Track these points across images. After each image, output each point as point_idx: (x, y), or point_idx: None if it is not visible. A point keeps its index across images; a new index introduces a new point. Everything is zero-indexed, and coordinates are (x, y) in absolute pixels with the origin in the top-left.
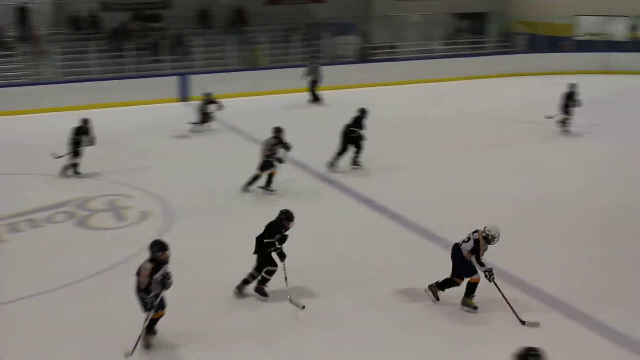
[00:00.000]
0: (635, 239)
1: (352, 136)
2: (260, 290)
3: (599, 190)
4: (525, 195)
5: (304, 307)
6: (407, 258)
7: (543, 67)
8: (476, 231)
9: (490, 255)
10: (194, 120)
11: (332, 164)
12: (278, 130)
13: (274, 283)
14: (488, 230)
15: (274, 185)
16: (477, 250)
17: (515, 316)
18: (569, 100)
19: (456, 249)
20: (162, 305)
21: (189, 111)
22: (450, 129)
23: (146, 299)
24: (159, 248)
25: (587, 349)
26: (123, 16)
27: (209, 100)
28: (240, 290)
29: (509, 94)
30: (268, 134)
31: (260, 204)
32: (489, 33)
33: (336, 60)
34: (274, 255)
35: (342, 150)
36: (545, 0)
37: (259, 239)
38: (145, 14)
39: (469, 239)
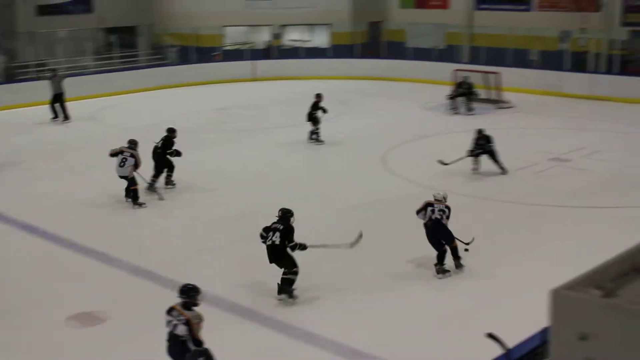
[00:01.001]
0: None
1: (164, 156)
2: (290, 292)
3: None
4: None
5: (361, 234)
6: None
7: (195, 77)
8: (431, 204)
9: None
10: None
11: (150, 186)
12: (133, 143)
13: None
14: (441, 196)
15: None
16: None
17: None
18: (315, 109)
19: (437, 224)
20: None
21: None
22: (114, 144)
23: (202, 354)
24: (196, 291)
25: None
26: None
27: None
28: (290, 293)
29: (168, 105)
30: None
31: None
32: (140, 46)
33: None
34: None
35: (158, 172)
36: (193, 12)
37: (277, 247)
38: None
39: (441, 211)
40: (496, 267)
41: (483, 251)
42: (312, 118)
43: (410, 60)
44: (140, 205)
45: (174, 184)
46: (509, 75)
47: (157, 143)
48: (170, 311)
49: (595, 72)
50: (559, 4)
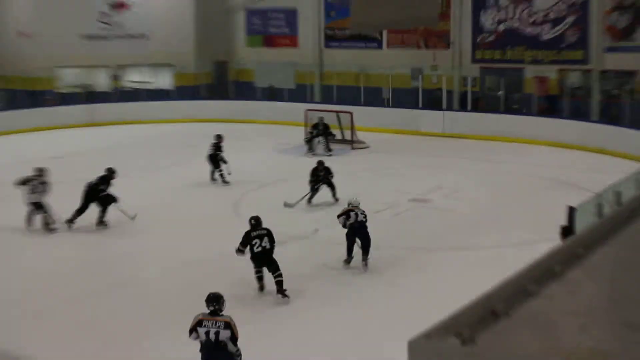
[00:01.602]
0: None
1: (99, 195)
2: (285, 292)
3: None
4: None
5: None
6: None
7: (27, 123)
8: (352, 210)
9: None
10: None
11: (71, 221)
12: (40, 170)
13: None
14: (357, 202)
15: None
16: None
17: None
18: (218, 150)
19: (363, 225)
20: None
21: None
22: None
23: (238, 352)
24: (223, 299)
25: None
26: None
27: None
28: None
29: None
30: None
31: None
32: None
33: None
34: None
35: (84, 209)
36: (22, 53)
37: (268, 250)
38: None
39: (363, 214)
40: (356, 317)
41: (343, 300)
42: (217, 159)
43: (260, 100)
44: (53, 230)
45: (105, 225)
46: (363, 114)
47: (93, 180)
48: (200, 324)
49: (449, 109)
50: (408, 41)
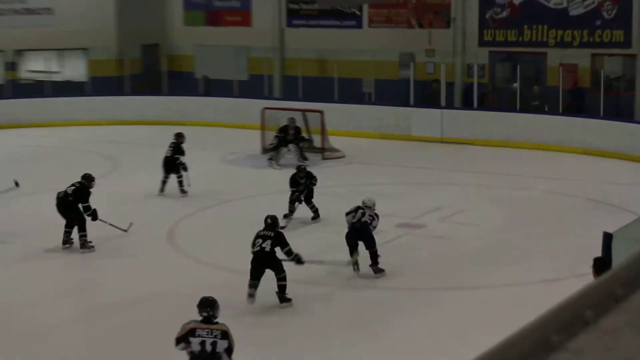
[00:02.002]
0: None
1: (75, 206)
2: (286, 299)
3: None
4: None
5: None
6: None
7: None
8: (362, 208)
9: None
10: None
11: (66, 243)
12: None
13: None
14: (371, 202)
15: None
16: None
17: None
18: (179, 153)
19: (364, 227)
20: None
21: None
22: None
23: None
24: (218, 303)
25: None
26: None
27: None
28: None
29: None
30: None
31: None
32: None
33: None
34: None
35: (70, 224)
36: None
37: (267, 253)
38: None
39: (371, 217)
40: None
41: (316, 351)
42: (177, 165)
43: (202, 96)
44: None
45: (91, 246)
46: (337, 113)
47: (67, 189)
48: (193, 333)
49: (449, 107)
50: (396, 18)
